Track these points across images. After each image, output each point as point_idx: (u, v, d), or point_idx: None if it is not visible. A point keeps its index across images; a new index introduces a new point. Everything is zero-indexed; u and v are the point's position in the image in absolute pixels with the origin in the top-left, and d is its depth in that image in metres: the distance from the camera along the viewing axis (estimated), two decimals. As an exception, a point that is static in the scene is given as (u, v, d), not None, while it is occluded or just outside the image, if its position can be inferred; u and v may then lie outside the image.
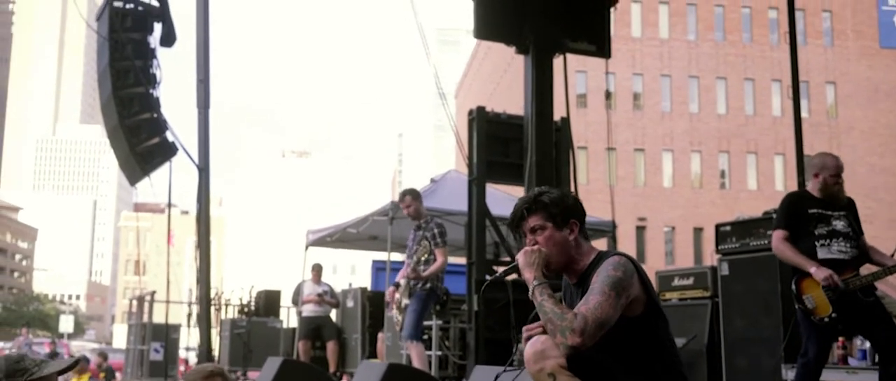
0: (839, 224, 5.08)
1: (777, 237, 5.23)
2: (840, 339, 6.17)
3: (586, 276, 2.99)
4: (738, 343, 6.97)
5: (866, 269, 5.12)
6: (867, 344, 6.35)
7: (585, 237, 3.12)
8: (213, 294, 12.89)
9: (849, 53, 39.17)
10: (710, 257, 8.85)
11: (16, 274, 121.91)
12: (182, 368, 16.82)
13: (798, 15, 41.57)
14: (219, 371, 3.69)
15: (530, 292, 2.97)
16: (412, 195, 8.05)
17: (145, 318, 15.57)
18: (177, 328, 14.69)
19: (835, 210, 5.13)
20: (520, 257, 3.05)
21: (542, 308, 2.90)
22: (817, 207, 5.15)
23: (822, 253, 5.07)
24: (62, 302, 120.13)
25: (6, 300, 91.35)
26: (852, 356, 6.51)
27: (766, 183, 38.14)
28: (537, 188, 3.21)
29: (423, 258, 7.65)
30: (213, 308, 12.05)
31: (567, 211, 3.07)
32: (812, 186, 5.25)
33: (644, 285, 2.97)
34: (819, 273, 4.96)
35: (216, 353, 13.10)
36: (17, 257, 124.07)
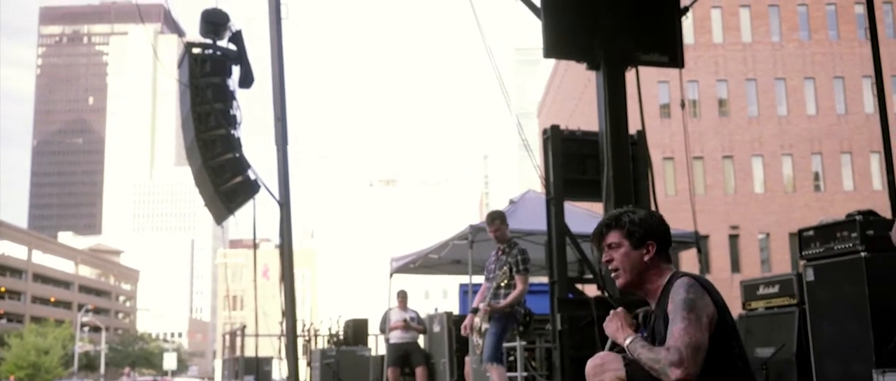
0: None
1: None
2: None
3: (661, 297, 3.06)
4: (828, 350, 6.76)
5: None
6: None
7: (666, 259, 3.18)
8: (302, 326, 13.13)
9: (941, 44, 37.75)
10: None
11: (120, 315, 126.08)
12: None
13: (887, 8, 40.33)
14: None
15: (627, 353, 3.04)
16: (501, 219, 8.10)
17: (238, 352, 15.91)
18: (269, 360, 14.98)
19: None
20: (608, 327, 3.15)
21: (640, 360, 2.96)
22: None
23: None
24: (165, 340, 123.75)
25: (112, 341, 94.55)
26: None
27: (863, 182, 36.91)
28: (624, 207, 3.31)
29: (503, 283, 7.66)
30: (302, 339, 12.25)
31: (646, 232, 3.15)
32: None
33: (715, 303, 3.00)
34: None
35: (307, 384, 13.31)
36: (121, 298, 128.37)
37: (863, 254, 6.43)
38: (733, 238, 36.56)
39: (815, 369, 6.87)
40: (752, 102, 38.27)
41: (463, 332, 8.15)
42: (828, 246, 6.81)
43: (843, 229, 6.72)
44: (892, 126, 9.50)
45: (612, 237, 3.18)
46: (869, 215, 6.64)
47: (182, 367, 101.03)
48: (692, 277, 3.02)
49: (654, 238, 3.16)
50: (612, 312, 3.18)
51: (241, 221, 9.95)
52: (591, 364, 3.04)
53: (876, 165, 36.91)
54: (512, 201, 12.66)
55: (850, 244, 6.58)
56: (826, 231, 6.90)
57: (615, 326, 3.12)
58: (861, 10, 37.43)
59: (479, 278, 12.53)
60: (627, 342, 3.03)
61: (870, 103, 37.13)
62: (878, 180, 36.57)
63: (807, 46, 38.34)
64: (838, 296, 6.67)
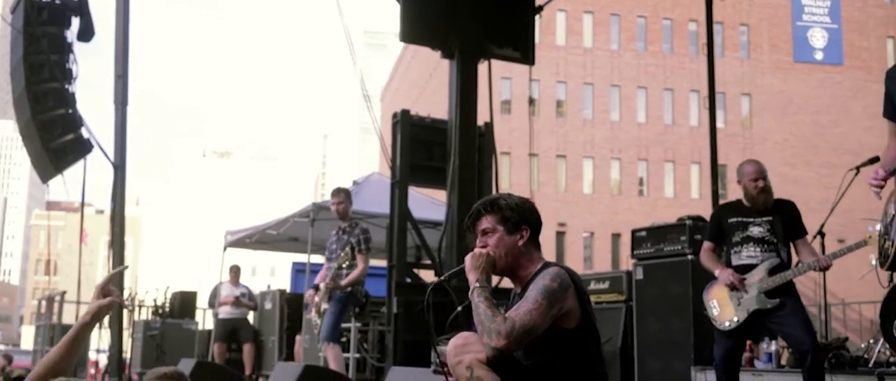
0: (756, 230, 5.20)
1: (702, 250, 5.47)
2: (747, 342, 6.35)
3: (529, 284, 3.07)
4: (651, 346, 7.11)
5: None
6: (773, 347, 6.55)
7: (537, 247, 3.22)
8: (126, 295, 12.59)
9: (764, 66, 40.35)
10: (627, 263, 9.05)
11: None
12: (92, 370, 16.39)
13: (716, 28, 42.57)
14: (176, 375, 3.62)
15: (469, 293, 3.05)
16: (346, 194, 8.04)
17: (54, 319, 15.10)
18: (88, 329, 14.27)
19: (758, 216, 5.22)
20: (467, 260, 3.13)
21: (476, 310, 2.98)
22: (738, 216, 5.28)
23: (734, 260, 5.25)
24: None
25: None
26: (758, 358, 6.70)
27: (683, 191, 39.01)
28: (499, 193, 3.32)
29: (344, 264, 7.61)
30: (125, 309, 11.78)
31: (521, 218, 3.17)
32: (741, 195, 5.40)
33: (581, 301, 3.05)
34: (722, 275, 5.17)
35: (127, 355, 12.79)
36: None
37: (689, 257, 6.81)
38: (560, 235, 37.81)
39: (637, 364, 7.21)
40: (587, 106, 39.66)
41: (306, 299, 8.06)
42: (658, 247, 7.17)
43: (673, 232, 7.09)
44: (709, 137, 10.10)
45: (487, 222, 3.17)
46: (698, 221, 7.04)
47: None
48: (565, 270, 3.06)
49: (529, 224, 3.19)
50: (478, 250, 3.15)
51: (69, 181, 9.42)
52: (452, 344, 3.03)
53: (696, 175, 39.11)
54: (355, 183, 12.61)
55: (679, 247, 6.96)
56: (657, 233, 7.25)
57: (476, 263, 3.10)
58: (694, 27, 39.51)
59: (317, 258, 12.44)
60: (477, 285, 3.03)
61: (695, 116, 39.27)
62: (696, 190, 38.78)
63: (642, 57, 40.08)
64: (664, 295, 7.03)
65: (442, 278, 3.47)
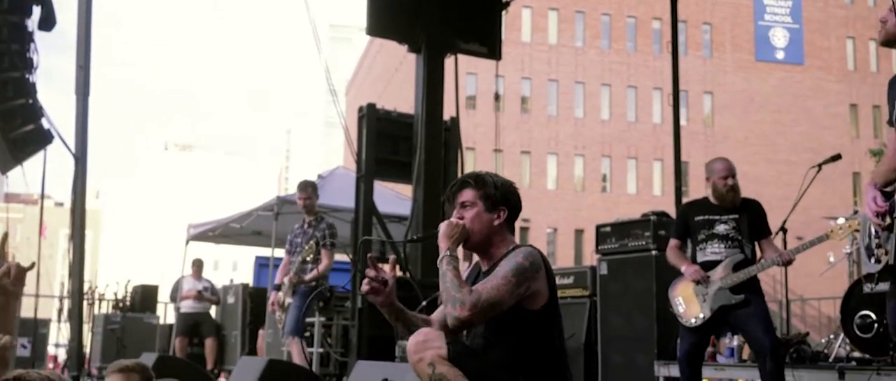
0: (721, 228, 5.25)
1: (668, 247, 5.51)
2: (711, 337, 6.42)
3: (500, 261, 3.08)
4: (614, 341, 7.16)
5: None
6: (735, 342, 6.64)
7: (511, 230, 3.24)
8: (86, 288, 12.42)
9: (726, 65, 40.79)
10: (590, 259, 9.12)
11: None
12: (51, 365, 16.16)
13: (680, 26, 42.89)
14: (138, 367, 3.58)
15: (439, 260, 3.06)
16: (313, 188, 8.02)
17: (13, 312, 14.83)
18: (46, 322, 14.09)
19: (724, 214, 5.27)
20: (442, 227, 3.14)
21: (443, 278, 2.98)
22: (704, 213, 5.33)
23: (699, 256, 5.31)
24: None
25: None
26: (721, 353, 6.78)
27: (645, 187, 39.35)
28: (487, 171, 3.32)
29: (309, 257, 7.58)
30: (86, 303, 11.64)
31: (502, 197, 3.19)
32: (708, 192, 5.44)
33: (549, 284, 3.07)
34: (688, 271, 5.22)
35: (87, 349, 12.61)
36: None
37: (654, 252, 6.86)
38: (524, 231, 37.96)
39: (600, 359, 7.25)
40: (552, 102, 39.83)
41: (270, 309, 8.00)
42: (622, 242, 7.22)
43: (638, 227, 7.14)
44: (673, 135, 10.18)
45: (468, 195, 3.19)
46: (662, 216, 7.09)
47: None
48: (538, 251, 3.08)
49: (508, 206, 3.21)
50: (455, 219, 3.16)
51: (28, 172, 9.23)
52: (413, 340, 3.00)
53: (658, 172, 39.46)
54: (320, 176, 12.54)
55: (643, 242, 7.01)
56: (622, 228, 7.30)
57: (450, 232, 3.11)
58: (658, 25, 39.82)
59: (281, 252, 12.41)
60: (447, 253, 3.04)
61: (658, 114, 39.61)
62: (658, 187, 39.13)
63: (606, 54, 40.34)
64: (628, 290, 7.08)
65: (415, 238, 3.49)
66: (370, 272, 3.14)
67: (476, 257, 3.30)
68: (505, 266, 2.99)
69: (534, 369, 3.01)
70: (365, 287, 3.13)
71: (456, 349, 2.94)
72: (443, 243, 3.09)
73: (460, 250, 3.19)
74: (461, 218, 3.17)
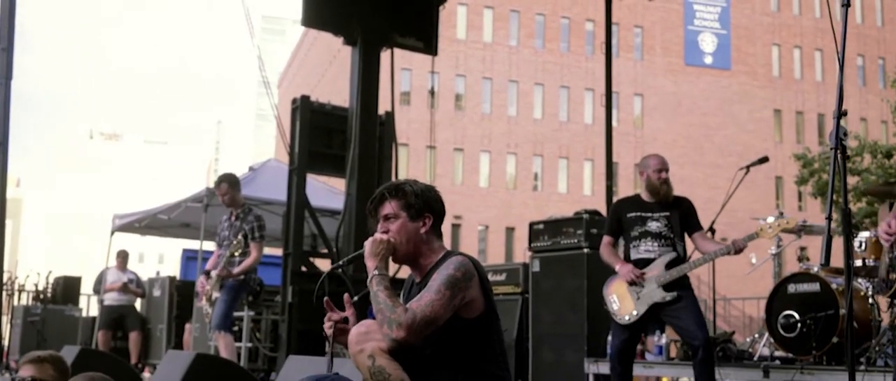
0: (654, 225, 5.32)
1: (602, 244, 5.55)
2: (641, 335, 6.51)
3: (430, 273, 3.02)
4: (545, 338, 7.22)
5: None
6: (664, 340, 6.74)
7: (438, 236, 3.17)
8: (5, 279, 12.04)
9: (656, 68, 41.46)
10: (522, 256, 9.17)
11: None
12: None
13: (612, 29, 43.49)
14: (53, 359, 3.48)
15: (368, 281, 2.98)
16: (229, 182, 7.76)
17: (-74, 303, 14.33)
18: (-38, 314, 13.64)
19: (656, 211, 5.34)
20: (367, 245, 3.07)
21: (375, 298, 2.91)
22: (637, 210, 5.39)
23: (632, 254, 5.37)
24: None
25: None
26: (649, 351, 6.88)
27: (576, 186, 39.78)
28: (404, 179, 3.26)
29: (237, 252, 7.43)
30: (5, 294, 11.29)
31: (425, 205, 3.12)
32: (641, 188, 5.51)
33: (484, 290, 3.02)
34: (622, 270, 5.27)
35: (6, 342, 12.23)
36: None
37: (585, 250, 6.94)
38: (456, 228, 38.04)
39: (531, 355, 7.30)
40: (486, 100, 39.99)
41: (198, 287, 7.83)
42: (555, 240, 7.28)
43: (570, 225, 7.21)
44: (605, 135, 10.31)
45: (390, 208, 3.12)
46: (594, 215, 7.17)
47: None
48: (469, 258, 3.03)
49: (432, 212, 3.15)
50: (379, 236, 3.09)
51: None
52: (355, 332, 2.96)
53: (588, 171, 39.94)
54: (252, 168, 12.37)
55: (576, 240, 7.08)
56: (554, 226, 7.36)
57: (375, 250, 3.04)
58: (591, 27, 40.31)
59: (210, 245, 12.20)
60: (376, 272, 2.97)
61: (589, 114, 40.08)
62: (588, 186, 39.62)
63: (540, 54, 40.64)
64: (559, 288, 7.14)
65: (339, 263, 3.41)
66: (334, 316, 3.08)
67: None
68: (437, 279, 2.92)
69: (475, 372, 2.99)
70: (329, 332, 3.07)
71: (394, 345, 2.90)
72: (370, 263, 3.01)
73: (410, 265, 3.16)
74: (386, 231, 3.10)
